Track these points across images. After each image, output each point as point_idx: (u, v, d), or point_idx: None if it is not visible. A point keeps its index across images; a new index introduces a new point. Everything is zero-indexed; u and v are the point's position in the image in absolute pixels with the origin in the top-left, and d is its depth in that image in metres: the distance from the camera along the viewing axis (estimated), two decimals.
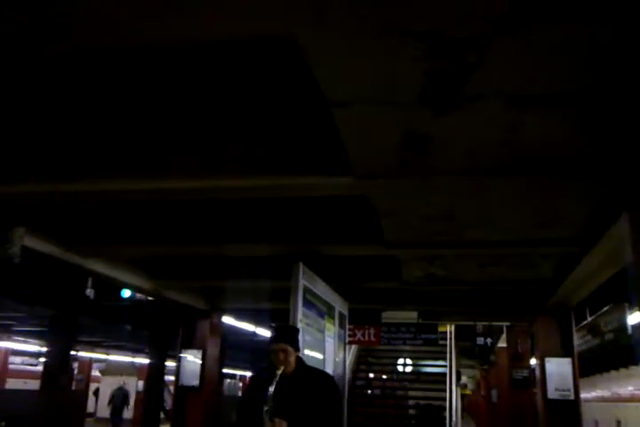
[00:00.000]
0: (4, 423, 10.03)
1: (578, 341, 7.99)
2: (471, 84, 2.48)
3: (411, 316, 10.21)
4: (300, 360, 3.50)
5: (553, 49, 2.22)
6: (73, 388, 18.23)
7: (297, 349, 3.48)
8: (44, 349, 14.83)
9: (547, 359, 7.92)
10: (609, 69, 2.34)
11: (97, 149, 3.62)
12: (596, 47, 2.20)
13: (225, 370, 18.28)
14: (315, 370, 3.74)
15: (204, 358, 8.94)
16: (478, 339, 11.64)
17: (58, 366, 10.80)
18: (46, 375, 11.23)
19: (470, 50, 2.23)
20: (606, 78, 2.41)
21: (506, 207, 4.08)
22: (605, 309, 6.59)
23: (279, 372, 3.31)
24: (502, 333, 12.10)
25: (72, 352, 13.44)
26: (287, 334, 3.53)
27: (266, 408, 3.22)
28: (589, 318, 7.47)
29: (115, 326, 12.97)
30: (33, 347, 19.16)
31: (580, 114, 2.73)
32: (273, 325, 10.62)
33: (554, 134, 2.94)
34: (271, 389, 3.24)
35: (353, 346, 13.27)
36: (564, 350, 7.94)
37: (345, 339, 8.26)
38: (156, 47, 2.79)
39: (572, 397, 7.76)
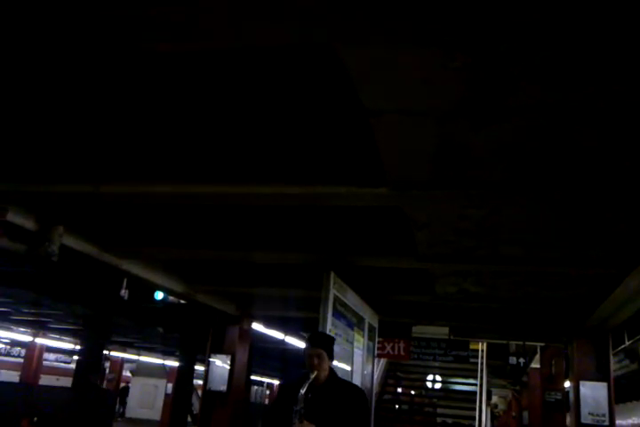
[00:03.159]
0: (35, 419, 10.24)
1: (615, 365, 7.75)
2: (511, 96, 2.44)
3: (442, 331, 10.05)
4: (332, 370, 3.50)
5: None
6: (104, 386, 18.54)
7: (331, 357, 3.48)
8: (78, 347, 15.13)
9: (581, 383, 7.70)
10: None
11: (138, 152, 3.69)
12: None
13: (252, 377, 18.31)
14: (346, 382, 3.74)
15: (232, 364, 8.96)
16: (511, 358, 11.39)
17: (90, 365, 10.98)
18: (78, 373, 11.43)
19: (513, 62, 2.20)
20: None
21: (544, 224, 4.00)
22: None
23: (312, 375, 3.31)
24: (536, 353, 11.81)
25: (104, 352, 13.67)
26: (323, 341, 3.55)
27: (296, 408, 3.23)
28: (627, 342, 7.24)
29: (147, 327, 13.14)
30: (67, 345, 19.56)
31: (622, 127, 2.65)
32: (303, 333, 10.60)
33: (594, 148, 2.87)
34: (302, 391, 3.24)
35: (382, 359, 13.14)
36: (600, 374, 7.70)
37: (374, 352, 8.18)
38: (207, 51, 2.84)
39: (607, 422, 7.51)
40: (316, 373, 3.33)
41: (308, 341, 3.59)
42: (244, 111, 3.32)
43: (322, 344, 3.46)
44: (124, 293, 7.09)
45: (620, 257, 4.41)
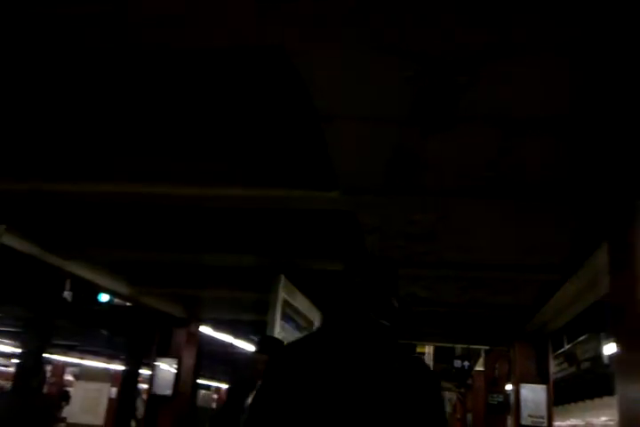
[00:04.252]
0: None
1: (554, 368, 7.99)
2: (461, 105, 2.50)
3: None
4: None
5: (539, 77, 2.25)
6: (45, 391, 17.95)
7: None
8: (19, 350, 14.60)
9: (522, 385, 7.91)
10: (591, 98, 2.37)
11: (81, 150, 3.61)
12: (576, 77, 2.23)
13: (200, 381, 18.08)
14: None
15: (178, 368, 8.83)
16: (456, 361, 11.61)
17: (30, 369, 10.61)
18: (18, 377, 11.03)
19: (462, 72, 2.25)
20: (588, 106, 2.44)
21: (490, 231, 4.10)
22: (582, 338, 6.62)
23: (259, 383, 3.27)
24: (480, 356, 12.09)
25: (46, 355, 13.24)
26: (270, 346, 3.52)
27: (243, 417, 3.20)
28: (566, 346, 7.49)
29: (91, 330, 12.81)
30: (6, 348, 18.86)
31: (567, 142, 2.76)
32: (253, 337, 10.54)
33: (539, 160, 2.97)
34: (249, 400, 3.21)
35: None
36: (540, 377, 7.93)
37: None
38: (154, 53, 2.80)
39: (546, 424, 7.74)
40: None
41: (255, 346, 3.57)
42: (196, 111, 3.30)
43: (269, 350, 3.44)
44: (67, 294, 6.91)
45: (560, 263, 4.56)
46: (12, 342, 17.74)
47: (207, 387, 26.93)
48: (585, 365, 7.15)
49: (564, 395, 7.85)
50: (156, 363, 8.98)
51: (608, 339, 6.32)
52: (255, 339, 9.58)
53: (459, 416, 19.40)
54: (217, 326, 10.18)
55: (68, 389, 24.72)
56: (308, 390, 1.72)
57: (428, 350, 13.03)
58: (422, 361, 1.97)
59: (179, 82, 3.09)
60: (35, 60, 2.84)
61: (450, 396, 23.26)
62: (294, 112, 3.12)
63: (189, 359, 9.14)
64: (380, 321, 1.81)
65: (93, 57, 2.84)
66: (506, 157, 2.92)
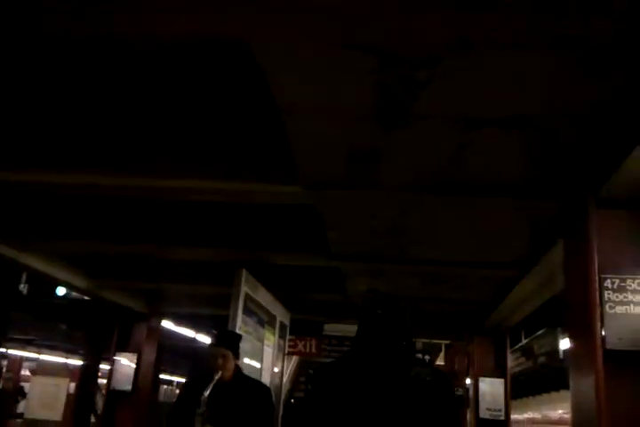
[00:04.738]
0: None
1: (512, 362, 8.15)
2: (420, 102, 2.51)
3: (353, 329, 10.20)
4: (238, 368, 3.46)
5: (500, 75, 2.27)
6: (0, 386, 17.54)
7: (237, 356, 3.44)
8: None
9: (481, 379, 8.04)
10: (555, 98, 2.41)
11: (37, 139, 3.51)
12: (540, 77, 2.26)
13: (162, 376, 17.91)
14: (252, 380, 3.71)
15: (138, 363, 8.72)
16: (417, 355, 11.73)
17: None
18: None
19: (420, 68, 2.26)
20: (552, 107, 2.48)
21: (448, 227, 4.14)
22: (539, 333, 6.75)
23: (217, 377, 3.25)
24: (441, 350, 12.24)
25: (1, 350, 12.94)
26: (229, 340, 3.49)
27: (199, 411, 3.16)
28: (524, 341, 7.64)
29: (49, 324, 12.56)
30: None
31: (523, 140, 2.79)
32: (215, 331, 10.46)
33: (497, 158, 3.00)
34: (206, 393, 3.18)
35: (294, 357, 13.20)
36: (498, 371, 8.08)
37: (285, 349, 8.21)
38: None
39: (503, 417, 7.89)
40: (219, 373, 3.27)
41: (212, 340, 3.53)
42: (157, 104, 3.24)
43: (227, 343, 3.41)
44: (22, 287, 6.74)
45: (517, 260, 4.64)
46: None
47: (169, 382, 26.72)
48: (541, 359, 7.31)
49: (522, 389, 8.00)
50: (115, 358, 8.85)
51: (564, 334, 6.47)
52: (214, 332, 9.51)
53: None
54: (179, 320, 10.08)
55: (24, 384, 24.27)
56: (347, 403, 2.09)
57: None
58: (441, 371, 2.43)
59: (142, 74, 3.03)
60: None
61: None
62: (257, 105, 3.09)
63: (150, 354, 9.04)
64: (401, 342, 2.21)
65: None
66: (463, 154, 2.95)
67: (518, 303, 6.07)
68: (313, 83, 2.44)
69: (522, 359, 8.04)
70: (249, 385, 3.49)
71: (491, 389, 7.94)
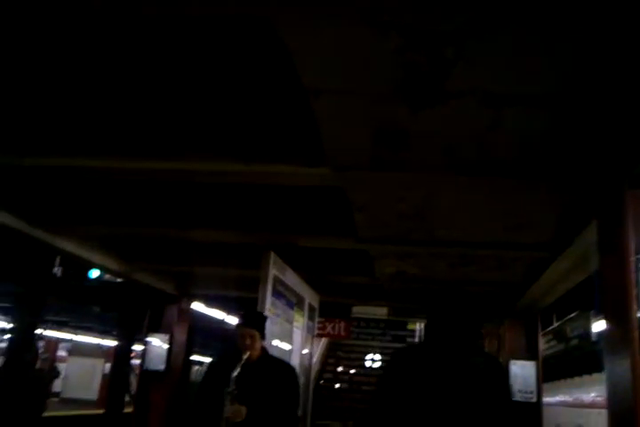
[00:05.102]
0: None
1: (543, 345, 8.07)
2: (450, 80, 2.46)
3: (381, 312, 10.25)
4: (264, 349, 3.50)
5: (528, 51, 2.21)
6: (38, 366, 18.07)
7: (263, 336, 3.47)
8: (10, 325, 14.66)
9: (512, 362, 8.00)
10: (583, 76, 2.33)
11: (68, 124, 3.55)
12: (566, 54, 2.19)
13: (193, 357, 18.23)
14: (278, 360, 3.75)
15: (170, 343, 8.88)
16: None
17: (22, 344, 10.66)
18: (10, 352, 11.08)
19: (449, 46, 2.20)
20: (581, 85, 2.40)
21: (478, 208, 4.08)
22: (572, 315, 6.65)
23: (245, 356, 3.30)
24: None
25: (38, 331, 13.30)
26: (256, 320, 3.53)
27: (228, 390, 3.21)
28: (555, 324, 7.54)
29: (83, 306, 12.85)
30: None
31: (557, 119, 2.72)
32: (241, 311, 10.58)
33: (529, 137, 2.93)
34: (235, 372, 3.22)
35: (323, 339, 13.30)
36: (530, 354, 8.02)
37: (314, 331, 8.27)
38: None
39: (535, 399, 7.85)
40: (247, 353, 3.32)
41: (239, 321, 3.57)
42: (183, 84, 3.24)
43: (254, 324, 3.45)
44: (57, 270, 6.89)
45: (550, 241, 4.56)
46: (4, 318, 17.78)
47: (200, 363, 27.24)
48: (574, 342, 7.21)
49: (553, 372, 7.93)
50: (148, 339, 9.02)
51: (597, 317, 6.37)
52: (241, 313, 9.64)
53: None
54: (209, 302, 10.21)
55: (60, 364, 24.96)
56: (421, 386, 2.49)
57: (418, 327, 13.14)
58: (495, 360, 2.92)
59: (167, 53, 3.02)
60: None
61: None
62: (284, 87, 3.07)
63: (181, 335, 9.20)
64: (469, 335, 2.59)
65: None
66: (493, 133, 2.88)
67: (550, 285, 5.98)
68: (340, 63, 2.40)
69: (553, 342, 7.95)
70: (275, 365, 3.54)
71: (522, 371, 7.89)
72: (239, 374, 3.24)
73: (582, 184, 3.36)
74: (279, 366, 3.59)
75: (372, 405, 2.74)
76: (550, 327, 7.87)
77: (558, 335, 7.51)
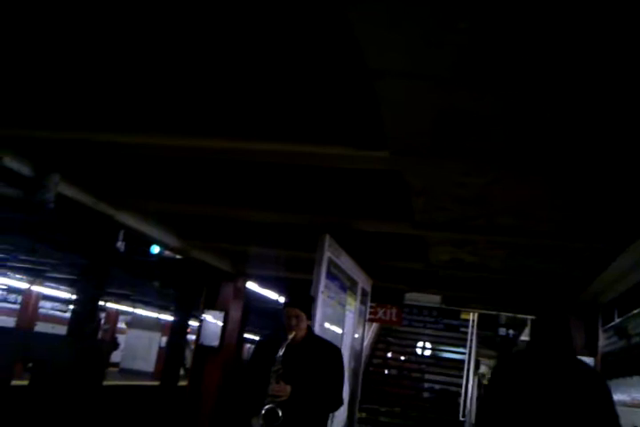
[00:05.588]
0: (30, 364, 10.42)
1: (603, 342, 7.82)
2: (515, 64, 2.37)
3: (434, 300, 10.13)
4: (309, 329, 3.52)
5: None
6: (99, 337, 18.86)
7: (309, 316, 3.49)
8: (74, 296, 15.32)
9: None
10: None
11: (135, 102, 3.63)
12: None
13: (246, 335, 18.61)
14: (323, 340, 3.77)
15: (225, 320, 9.07)
16: (500, 329, 11.50)
17: (85, 315, 11.12)
18: (73, 322, 11.59)
19: (520, 28, 2.12)
20: None
21: (542, 197, 3.96)
22: (635, 311, 6.41)
23: (290, 336, 3.33)
24: (526, 326, 11.93)
25: (100, 303, 13.83)
26: (302, 300, 3.54)
27: (274, 369, 3.26)
28: (617, 320, 7.29)
29: (143, 281, 13.26)
30: (63, 294, 19.79)
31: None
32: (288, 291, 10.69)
33: (605, 127, 2.81)
34: (281, 351, 3.27)
35: (374, 324, 13.30)
36: (588, 350, 7.79)
37: (365, 316, 8.26)
38: None
39: None
40: (293, 333, 3.35)
41: (285, 301, 3.59)
42: (248, 67, 3.25)
43: (300, 304, 3.47)
44: (120, 244, 7.12)
45: (615, 233, 4.38)
46: (69, 289, 18.59)
47: (253, 341, 27.82)
48: (636, 339, 6.95)
49: (612, 369, 7.68)
50: (204, 315, 9.24)
51: None
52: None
53: None
54: (263, 282, 10.35)
55: (119, 335, 25.94)
56: (527, 389, 2.89)
57: (472, 317, 12.95)
58: (594, 368, 3.44)
59: (230, 33, 3.03)
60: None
61: (493, 364, 23.27)
62: (345, 68, 3.03)
63: (236, 313, 9.38)
64: (565, 346, 3.01)
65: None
66: (564, 121, 2.78)
67: (614, 279, 5.77)
68: (405, 46, 2.35)
69: (614, 339, 7.69)
70: (321, 345, 3.57)
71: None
72: (285, 353, 3.27)
73: None
74: (325, 346, 3.61)
75: (483, 408, 3.22)
76: (611, 323, 7.61)
77: (619, 332, 7.26)
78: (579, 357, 3.18)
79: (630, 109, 2.63)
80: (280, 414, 3.16)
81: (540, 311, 3.21)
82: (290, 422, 3.19)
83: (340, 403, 3.56)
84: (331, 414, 4.88)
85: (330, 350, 3.58)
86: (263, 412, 3.18)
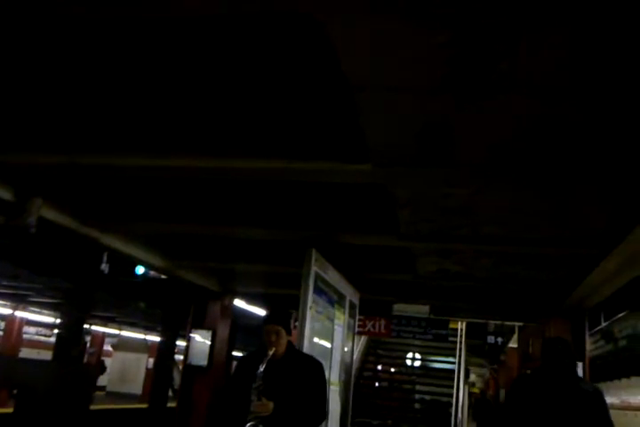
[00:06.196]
0: (15, 391, 10.23)
1: (590, 346, 7.88)
2: (497, 74, 2.41)
3: (422, 310, 10.14)
4: (290, 344, 3.53)
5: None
6: (85, 361, 18.57)
7: (289, 332, 3.51)
8: (59, 320, 15.09)
9: None
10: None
11: (117, 123, 3.62)
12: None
13: (235, 353, 18.45)
14: (304, 355, 3.79)
15: (213, 339, 8.99)
16: (489, 337, 11.55)
17: (70, 339, 10.96)
18: (59, 347, 11.42)
19: (501, 40, 2.16)
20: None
21: (525, 205, 4.00)
22: (621, 315, 6.48)
23: (271, 352, 3.35)
24: (514, 333, 11.99)
25: (85, 326, 13.64)
26: (280, 317, 3.56)
27: (255, 385, 3.25)
28: (604, 324, 7.36)
29: (128, 302, 13.12)
30: (48, 318, 19.49)
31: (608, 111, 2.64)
32: (291, 310, 10.64)
33: (579, 136, 2.86)
34: (262, 368, 3.27)
35: (362, 337, 13.28)
36: (576, 354, 7.83)
37: (354, 329, 8.24)
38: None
39: None
40: (273, 349, 3.36)
41: (264, 318, 3.61)
42: (224, 83, 3.27)
43: (279, 320, 3.49)
44: (104, 267, 7.06)
45: (600, 238, 4.44)
46: (53, 313, 18.31)
47: None
48: (622, 343, 7.03)
49: (600, 373, 7.73)
50: (191, 334, 9.15)
51: None
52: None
53: (491, 393, 19.44)
54: (251, 299, 10.29)
55: (105, 358, 25.53)
56: (540, 403, 3.56)
57: (460, 326, 12.99)
58: (595, 386, 3.90)
59: (210, 51, 3.05)
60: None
61: (482, 372, 23.29)
62: (325, 82, 3.06)
63: (224, 331, 9.30)
64: (571, 367, 3.76)
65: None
66: (540, 129, 2.82)
67: (599, 284, 5.83)
68: (385, 58, 2.38)
69: (601, 343, 7.76)
70: (302, 360, 3.59)
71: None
72: (266, 369, 3.27)
73: (633, 184, 3.25)
74: (306, 360, 3.62)
75: (503, 418, 3.92)
76: (598, 327, 7.68)
77: (606, 335, 7.33)
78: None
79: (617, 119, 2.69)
80: None
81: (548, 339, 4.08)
82: None
83: (324, 417, 3.56)
84: None
85: (311, 364, 3.59)
86: None
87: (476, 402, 17.71)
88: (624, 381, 6.80)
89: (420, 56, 2.33)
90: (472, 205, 4.06)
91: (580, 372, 7.62)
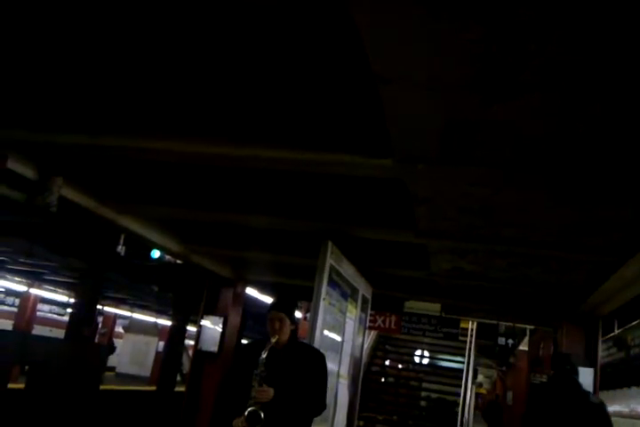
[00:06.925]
0: (27, 367, 10.38)
1: (602, 352, 7.79)
2: (527, 73, 2.37)
3: (434, 308, 10.12)
4: (293, 333, 3.54)
5: None
6: (96, 340, 18.81)
7: (293, 321, 3.51)
8: (72, 300, 15.28)
9: None
10: None
11: (139, 106, 3.63)
12: None
13: (244, 341, 18.56)
14: (307, 345, 3.81)
15: (224, 326, 9.04)
16: (500, 339, 11.49)
17: (83, 318, 11.10)
18: (71, 326, 11.57)
19: (532, 38, 2.12)
20: None
21: (545, 209, 3.95)
22: (634, 323, 6.39)
23: (273, 340, 3.36)
24: (525, 335, 11.91)
25: (98, 306, 13.80)
26: (285, 305, 3.57)
27: (256, 372, 3.29)
28: (617, 331, 7.27)
29: (141, 285, 13.24)
30: (61, 297, 19.75)
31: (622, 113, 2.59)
32: (298, 301, 10.68)
33: (605, 135, 2.80)
34: (264, 354, 3.30)
35: (372, 332, 13.28)
36: (587, 360, 7.76)
37: (365, 323, 8.24)
38: None
39: None
40: (276, 337, 3.37)
41: (269, 305, 3.62)
42: (249, 72, 3.25)
43: (283, 308, 3.51)
44: (120, 249, 7.11)
45: (619, 244, 4.38)
46: (67, 292, 18.55)
47: None
48: (635, 351, 6.93)
49: (611, 380, 7.65)
50: (202, 320, 9.21)
51: None
52: (299, 303, 9.71)
53: (499, 393, 19.39)
54: (263, 288, 10.33)
55: (116, 340, 25.83)
56: (558, 414, 4.39)
57: (471, 326, 12.93)
58: (600, 400, 4.70)
59: (234, 35, 3.03)
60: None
61: (491, 373, 23.21)
62: (350, 75, 3.03)
63: (235, 318, 9.35)
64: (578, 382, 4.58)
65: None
66: (568, 132, 2.77)
67: (615, 290, 5.75)
68: (413, 54, 2.35)
69: (613, 350, 7.67)
70: (304, 350, 3.62)
71: (579, 378, 7.63)
72: (268, 356, 3.30)
73: None
74: (308, 351, 3.64)
75: (526, 422, 4.67)
76: (611, 334, 7.59)
77: (619, 343, 7.24)
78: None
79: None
80: (262, 416, 3.19)
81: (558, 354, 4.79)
82: (272, 425, 3.22)
83: (323, 408, 3.58)
84: (330, 424, 4.86)
85: (313, 354, 3.61)
86: (246, 414, 3.20)
87: (488, 404, 17.92)
88: (634, 389, 6.71)
89: (448, 52, 2.30)
90: (492, 205, 4.02)
91: (590, 378, 7.58)
